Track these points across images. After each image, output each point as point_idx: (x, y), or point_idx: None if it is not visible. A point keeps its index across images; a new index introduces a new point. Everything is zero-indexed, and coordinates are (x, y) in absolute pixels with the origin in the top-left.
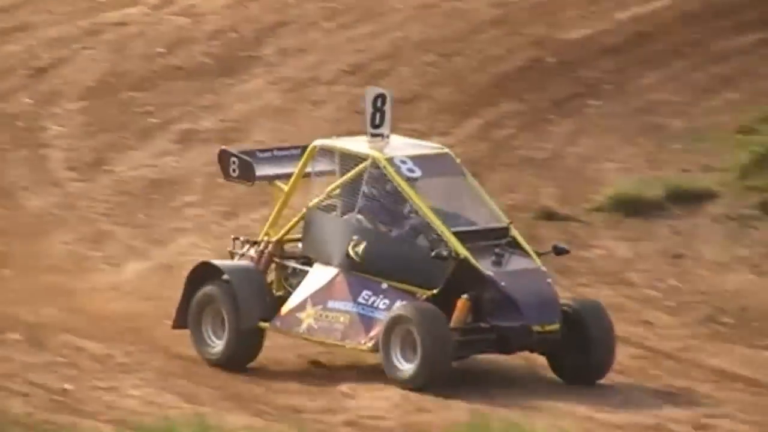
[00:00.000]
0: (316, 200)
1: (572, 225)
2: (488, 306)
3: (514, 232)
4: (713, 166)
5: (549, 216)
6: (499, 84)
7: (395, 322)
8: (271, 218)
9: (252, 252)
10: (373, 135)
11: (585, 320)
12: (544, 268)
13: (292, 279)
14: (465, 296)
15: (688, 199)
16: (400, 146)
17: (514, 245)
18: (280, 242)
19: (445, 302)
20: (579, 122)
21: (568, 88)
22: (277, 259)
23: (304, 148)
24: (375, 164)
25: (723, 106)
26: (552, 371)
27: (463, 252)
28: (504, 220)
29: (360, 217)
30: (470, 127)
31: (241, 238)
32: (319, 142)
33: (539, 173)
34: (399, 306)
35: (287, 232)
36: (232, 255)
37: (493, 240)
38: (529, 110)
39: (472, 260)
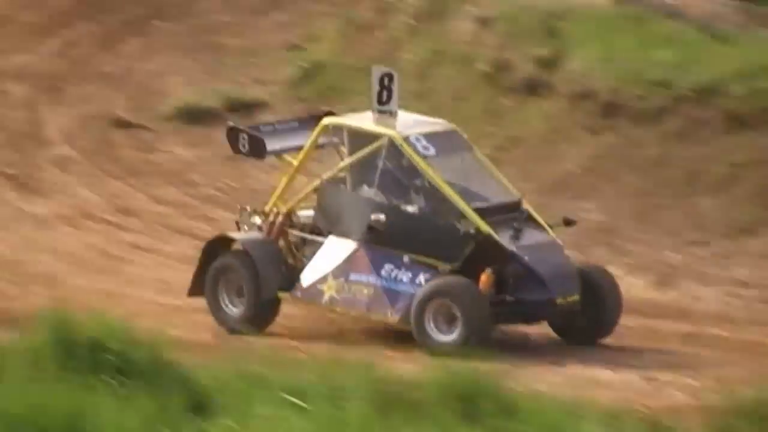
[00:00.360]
0: (328, 175)
1: (142, 132)
2: (511, 279)
3: (526, 205)
4: (265, 79)
5: (122, 125)
6: (76, 7)
7: (431, 295)
8: (278, 190)
9: (257, 221)
10: (380, 112)
11: (598, 285)
12: (559, 241)
13: (304, 249)
14: (488, 270)
15: (243, 108)
16: (411, 123)
17: (528, 219)
18: (289, 213)
19: (465, 276)
20: (148, 41)
21: (138, 10)
22: (288, 230)
23: (303, 120)
24: (392, 142)
25: (273, 26)
26: (555, 333)
27: (486, 228)
28: (516, 194)
29: (378, 192)
30: (51, 46)
31: (249, 209)
32: (329, 120)
33: (113, 87)
34: (432, 279)
35: (297, 204)
36: (238, 224)
37: (507, 214)
38: (103, 30)
39: (495, 236)
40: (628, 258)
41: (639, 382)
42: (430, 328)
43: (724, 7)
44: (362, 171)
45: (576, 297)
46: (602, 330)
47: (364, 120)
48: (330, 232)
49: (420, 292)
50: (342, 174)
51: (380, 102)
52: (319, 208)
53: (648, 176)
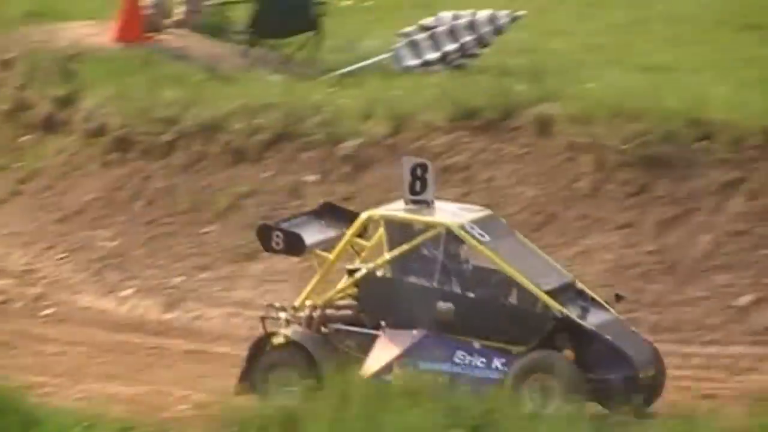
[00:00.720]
0: (372, 266)
1: None
2: (592, 358)
3: (580, 285)
4: None
5: None
6: None
7: (529, 372)
8: (312, 285)
9: (284, 316)
10: (415, 201)
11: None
12: (622, 317)
13: (347, 341)
14: (567, 351)
15: None
16: (454, 211)
17: (585, 297)
18: (325, 307)
19: None
20: None
21: None
22: (328, 323)
23: (312, 213)
24: (449, 231)
25: None
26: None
27: (564, 310)
28: (567, 274)
29: (438, 281)
30: None
31: (277, 305)
32: (372, 213)
33: None
34: (529, 357)
35: (334, 297)
36: (263, 320)
37: (569, 294)
38: None
39: (573, 317)
40: (139, 282)
41: (151, 396)
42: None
43: (226, 49)
44: (408, 260)
45: (653, 371)
46: (652, 401)
47: (404, 211)
48: (381, 323)
49: (517, 367)
50: (395, 266)
51: (413, 192)
52: (366, 300)
53: (157, 206)
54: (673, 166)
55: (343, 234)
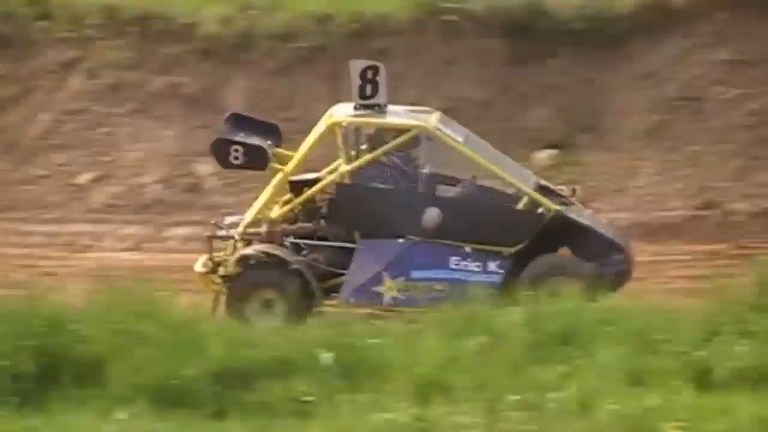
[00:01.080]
0: (339, 176)
1: None
2: (588, 253)
3: (543, 181)
4: None
5: None
6: None
7: (547, 274)
8: (266, 198)
9: (233, 233)
10: (365, 106)
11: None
12: (589, 209)
13: (313, 255)
14: (564, 248)
15: None
16: (411, 113)
17: (555, 192)
18: (282, 221)
19: (527, 256)
20: None
21: None
22: (291, 238)
23: (231, 124)
24: (427, 134)
25: None
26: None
27: (557, 207)
28: (528, 170)
29: (423, 185)
30: None
31: (227, 221)
32: (339, 119)
33: None
34: (544, 260)
35: (291, 210)
36: (210, 240)
37: (542, 190)
38: None
39: (567, 213)
40: None
41: None
42: None
43: None
44: (381, 167)
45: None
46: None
47: (359, 115)
48: (357, 235)
49: (530, 273)
50: (371, 173)
51: (363, 96)
52: (340, 211)
53: None
54: (12, 46)
55: (271, 144)
